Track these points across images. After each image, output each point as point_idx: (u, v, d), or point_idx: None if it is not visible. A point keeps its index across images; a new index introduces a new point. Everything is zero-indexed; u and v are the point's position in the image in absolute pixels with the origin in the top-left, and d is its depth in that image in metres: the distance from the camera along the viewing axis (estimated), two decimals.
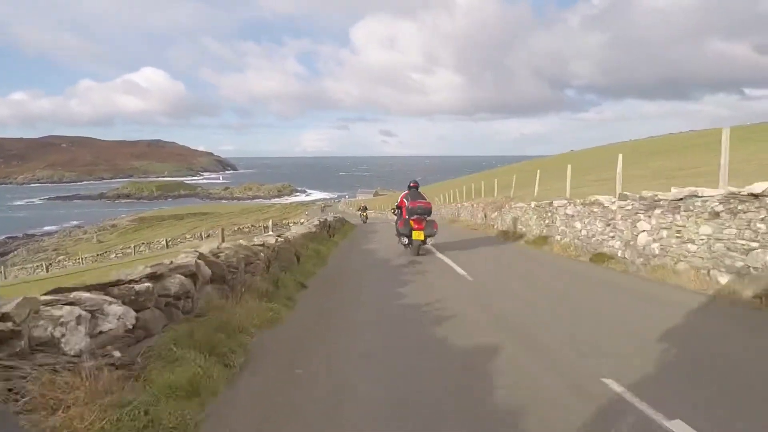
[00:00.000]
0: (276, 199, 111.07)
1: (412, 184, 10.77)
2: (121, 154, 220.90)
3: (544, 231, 11.32)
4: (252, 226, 35.74)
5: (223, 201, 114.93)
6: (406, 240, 10.39)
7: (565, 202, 10.31)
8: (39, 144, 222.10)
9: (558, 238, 10.48)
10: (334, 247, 12.63)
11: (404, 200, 10.39)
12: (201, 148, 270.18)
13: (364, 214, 29.36)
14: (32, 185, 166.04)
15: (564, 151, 76.58)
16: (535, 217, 12.07)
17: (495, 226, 15.56)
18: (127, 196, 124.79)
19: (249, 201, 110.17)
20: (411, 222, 10.00)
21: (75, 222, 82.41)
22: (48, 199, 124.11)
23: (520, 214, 13.24)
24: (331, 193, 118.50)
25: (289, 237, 9.60)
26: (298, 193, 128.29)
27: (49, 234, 67.84)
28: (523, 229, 12.78)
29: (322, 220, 16.17)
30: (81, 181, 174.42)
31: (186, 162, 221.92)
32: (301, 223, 19.96)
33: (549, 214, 11.14)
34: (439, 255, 10.17)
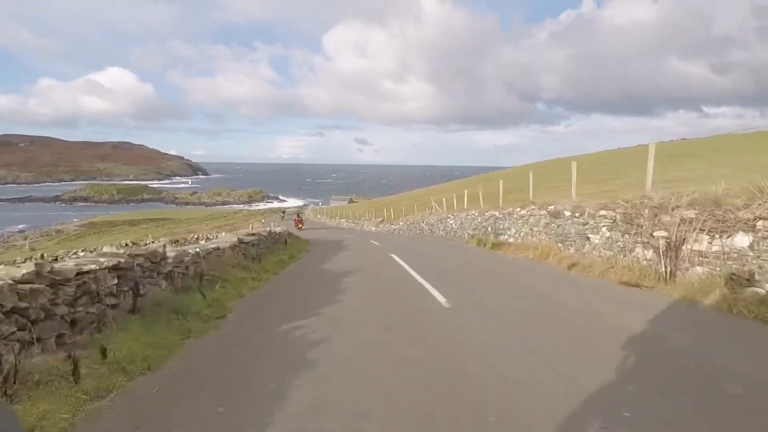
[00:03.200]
0: (244, 206, 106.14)
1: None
2: (84, 156, 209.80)
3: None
4: (206, 235, 31.71)
5: (190, 206, 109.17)
6: None
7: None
8: None
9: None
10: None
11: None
12: (173, 152, 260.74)
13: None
14: None
15: (533, 161, 76.52)
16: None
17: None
18: (85, 200, 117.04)
19: (218, 206, 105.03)
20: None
21: (21, 226, 75.51)
22: None
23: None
24: (305, 200, 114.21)
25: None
26: (270, 200, 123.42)
27: None
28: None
29: (241, 237, 10.50)
30: (38, 183, 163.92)
31: (154, 165, 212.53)
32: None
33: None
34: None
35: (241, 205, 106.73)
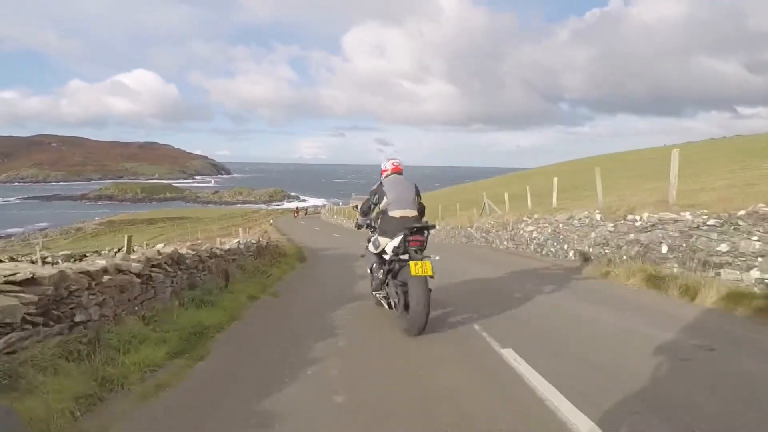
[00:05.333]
0: (264, 205, 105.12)
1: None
2: (112, 155, 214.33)
3: None
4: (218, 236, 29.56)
5: (211, 205, 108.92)
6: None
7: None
8: (27, 142, 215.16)
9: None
10: None
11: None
12: (198, 152, 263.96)
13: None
14: (15, 184, 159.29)
15: (557, 162, 71.36)
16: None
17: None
18: (110, 198, 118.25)
19: (239, 206, 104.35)
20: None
21: (43, 224, 75.91)
22: (25, 198, 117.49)
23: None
24: (324, 200, 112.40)
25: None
26: (291, 199, 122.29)
27: (6, 236, 61.23)
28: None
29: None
30: (67, 181, 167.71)
31: (179, 165, 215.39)
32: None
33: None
34: None
35: (262, 205, 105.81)
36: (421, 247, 4.35)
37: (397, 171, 4.91)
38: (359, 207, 5.12)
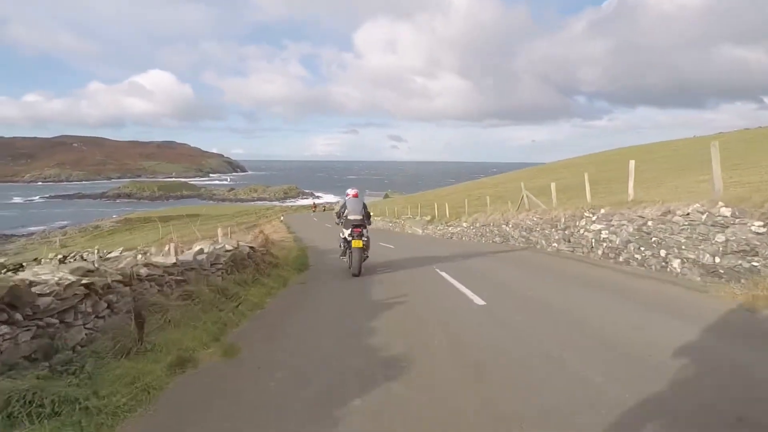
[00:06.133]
0: (278, 202, 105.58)
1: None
2: (131, 155, 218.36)
3: None
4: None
5: (226, 202, 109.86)
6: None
7: None
8: (50, 143, 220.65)
9: None
10: None
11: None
12: (214, 150, 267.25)
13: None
14: (38, 183, 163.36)
15: (574, 156, 68.38)
16: None
17: None
18: (128, 196, 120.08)
19: (253, 203, 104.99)
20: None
21: (64, 222, 77.34)
22: (49, 197, 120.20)
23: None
24: (339, 197, 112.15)
25: None
26: (305, 196, 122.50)
27: (29, 234, 62.50)
28: None
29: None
30: (88, 180, 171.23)
31: (195, 163, 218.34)
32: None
33: None
34: None
35: (276, 202, 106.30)
36: (360, 233, 8.69)
37: (355, 196, 9.21)
38: (336, 212, 9.55)
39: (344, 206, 9.03)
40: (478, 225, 16.91)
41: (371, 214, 9.43)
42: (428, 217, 24.04)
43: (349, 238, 8.68)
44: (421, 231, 23.49)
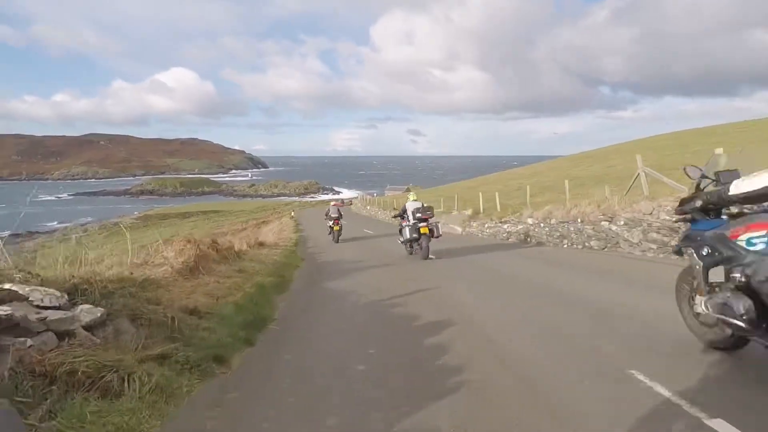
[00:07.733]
0: (299, 197, 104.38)
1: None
2: (155, 152, 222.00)
3: None
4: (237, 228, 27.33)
5: (247, 198, 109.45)
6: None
7: None
8: (78, 141, 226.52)
9: None
10: None
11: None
12: (236, 147, 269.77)
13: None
14: (66, 181, 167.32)
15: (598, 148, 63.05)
16: None
17: None
18: (150, 193, 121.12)
19: (274, 198, 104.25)
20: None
21: (88, 219, 77.75)
22: (75, 194, 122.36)
23: None
24: (359, 192, 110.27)
25: None
26: (326, 191, 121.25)
27: (52, 231, 62.66)
28: None
29: None
30: (113, 178, 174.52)
31: (217, 160, 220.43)
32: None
33: None
34: None
35: (296, 197, 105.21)
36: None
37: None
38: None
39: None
40: (553, 222, 12.85)
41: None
42: (469, 211, 19.87)
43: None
44: (460, 230, 19.03)
